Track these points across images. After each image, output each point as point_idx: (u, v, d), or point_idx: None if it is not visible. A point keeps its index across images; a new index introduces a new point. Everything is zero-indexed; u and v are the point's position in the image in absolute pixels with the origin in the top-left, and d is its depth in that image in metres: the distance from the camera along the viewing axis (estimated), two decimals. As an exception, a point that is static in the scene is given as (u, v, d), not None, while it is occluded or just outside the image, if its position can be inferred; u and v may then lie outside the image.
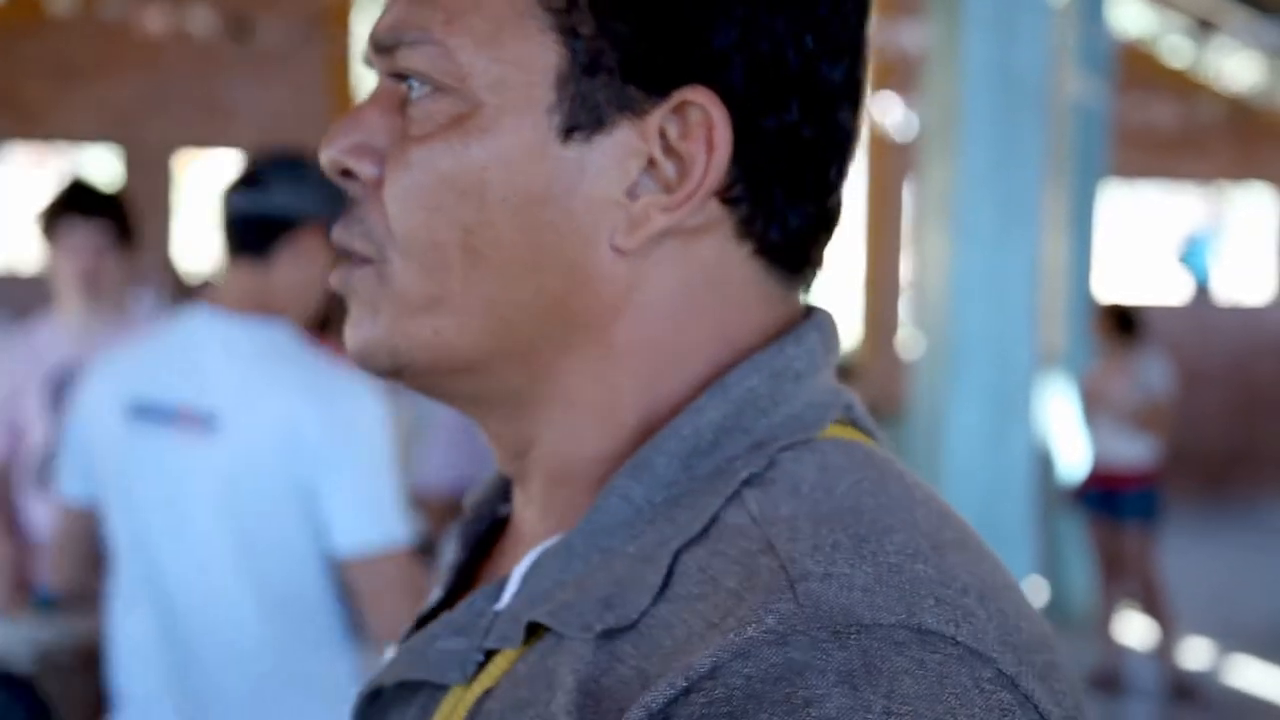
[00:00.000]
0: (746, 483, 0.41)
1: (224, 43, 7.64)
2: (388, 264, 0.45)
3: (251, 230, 1.76)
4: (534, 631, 0.42)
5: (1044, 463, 5.01)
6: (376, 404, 1.78)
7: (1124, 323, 5.03)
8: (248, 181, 1.83)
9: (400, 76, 0.45)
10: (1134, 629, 4.88)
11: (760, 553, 0.37)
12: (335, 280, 0.48)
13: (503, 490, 0.54)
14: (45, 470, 2.46)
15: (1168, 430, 4.98)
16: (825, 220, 0.46)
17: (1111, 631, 4.76)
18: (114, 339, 2.52)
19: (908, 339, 6.16)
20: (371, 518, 1.68)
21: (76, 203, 2.67)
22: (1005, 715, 0.34)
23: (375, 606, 1.66)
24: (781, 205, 0.45)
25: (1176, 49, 9.95)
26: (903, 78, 7.20)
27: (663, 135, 0.42)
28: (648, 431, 0.44)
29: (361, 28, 11.50)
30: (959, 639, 0.35)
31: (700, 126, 0.42)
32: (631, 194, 0.43)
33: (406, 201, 0.44)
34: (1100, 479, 4.82)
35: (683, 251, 0.45)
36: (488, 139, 0.43)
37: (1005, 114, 3.24)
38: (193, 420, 1.73)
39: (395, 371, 0.47)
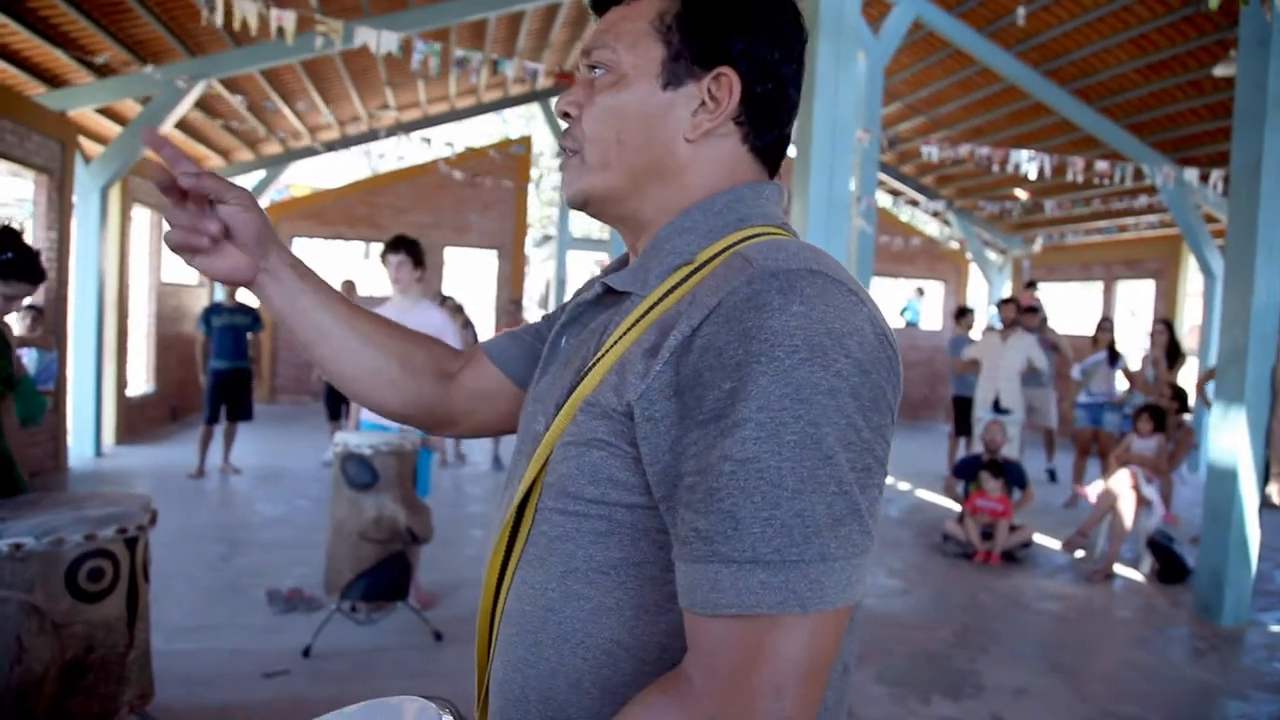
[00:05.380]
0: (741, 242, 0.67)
1: (468, 188, 11.47)
2: (582, 151, 0.74)
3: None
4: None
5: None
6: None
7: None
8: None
9: (591, 67, 0.73)
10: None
11: (743, 259, 0.63)
12: (561, 166, 0.74)
13: (621, 264, 0.81)
14: None
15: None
16: (782, 140, 0.76)
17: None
18: (411, 310, 3.94)
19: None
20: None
21: (394, 246, 3.97)
22: (853, 302, 0.60)
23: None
24: (763, 129, 0.73)
25: (888, 212, 13.29)
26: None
27: (708, 89, 0.71)
28: None
29: (532, 185, 14.42)
30: (829, 274, 0.61)
31: (725, 86, 0.71)
32: (694, 114, 0.72)
33: (592, 120, 0.73)
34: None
35: (717, 145, 0.72)
36: (627, 90, 0.72)
37: (828, 224, 4.40)
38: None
39: (584, 205, 0.75)
